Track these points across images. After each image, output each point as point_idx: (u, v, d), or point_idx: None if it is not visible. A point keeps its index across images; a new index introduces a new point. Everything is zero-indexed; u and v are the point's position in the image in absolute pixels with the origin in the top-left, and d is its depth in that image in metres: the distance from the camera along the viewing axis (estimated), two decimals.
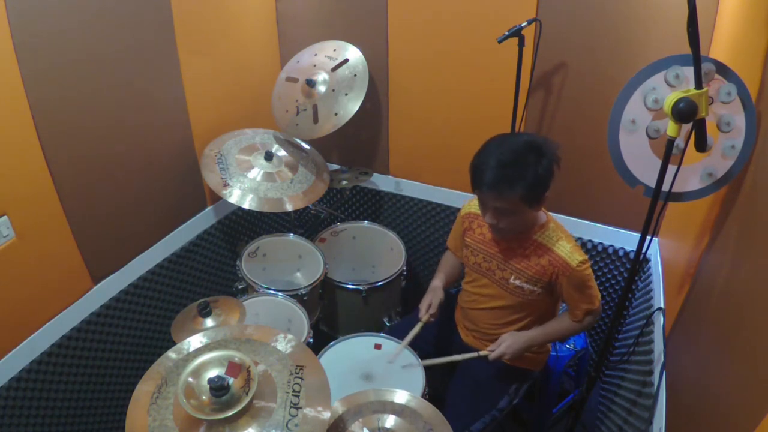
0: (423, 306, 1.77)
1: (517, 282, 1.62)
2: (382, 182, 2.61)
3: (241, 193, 2.04)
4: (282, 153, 2.28)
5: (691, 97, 1.16)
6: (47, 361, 1.67)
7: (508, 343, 1.63)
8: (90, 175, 1.73)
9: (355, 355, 1.77)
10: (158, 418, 1.13)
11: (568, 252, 1.55)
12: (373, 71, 2.27)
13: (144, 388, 1.20)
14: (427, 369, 1.68)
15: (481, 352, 1.66)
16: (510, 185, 1.43)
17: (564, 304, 1.72)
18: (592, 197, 2.15)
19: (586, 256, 1.59)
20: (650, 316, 1.73)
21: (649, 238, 1.38)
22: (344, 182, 2.42)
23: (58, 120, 1.59)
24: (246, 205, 2.04)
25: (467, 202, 1.83)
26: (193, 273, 2.27)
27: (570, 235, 1.62)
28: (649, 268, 2.03)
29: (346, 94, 2.17)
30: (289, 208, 2.11)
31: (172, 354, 1.29)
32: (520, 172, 1.42)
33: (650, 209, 1.33)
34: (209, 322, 1.67)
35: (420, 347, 1.79)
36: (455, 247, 1.92)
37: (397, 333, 1.86)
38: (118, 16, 1.70)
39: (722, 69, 1.26)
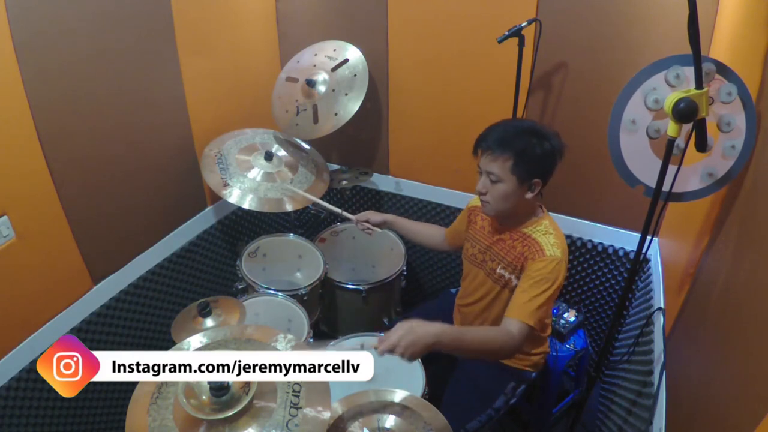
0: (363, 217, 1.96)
1: (502, 272, 1.62)
2: (382, 182, 2.60)
3: (241, 193, 2.04)
4: (282, 153, 2.28)
5: (691, 97, 1.16)
6: None
7: (400, 334, 1.24)
8: (90, 175, 1.73)
9: None
10: (158, 418, 1.13)
11: (549, 243, 1.52)
12: (373, 71, 2.27)
13: (144, 388, 1.20)
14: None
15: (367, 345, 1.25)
16: (505, 145, 1.48)
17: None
18: (593, 197, 2.15)
19: (567, 261, 1.53)
20: (650, 316, 1.73)
21: (649, 238, 1.38)
22: (344, 182, 2.42)
23: (58, 120, 1.59)
24: (246, 205, 2.04)
25: (474, 197, 1.83)
26: (193, 273, 2.27)
27: (563, 238, 1.58)
28: (649, 268, 2.03)
29: (346, 94, 2.17)
30: (289, 208, 2.11)
31: None
32: (517, 140, 1.48)
33: (650, 209, 1.33)
34: (209, 322, 1.67)
35: None
36: (449, 232, 1.97)
37: None
38: (118, 16, 1.70)
39: (722, 69, 1.26)
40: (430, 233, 2.01)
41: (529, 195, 1.53)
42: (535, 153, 1.47)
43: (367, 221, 1.96)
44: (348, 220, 1.99)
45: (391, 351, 1.24)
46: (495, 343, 1.41)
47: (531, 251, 1.53)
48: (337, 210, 2.01)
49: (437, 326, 1.29)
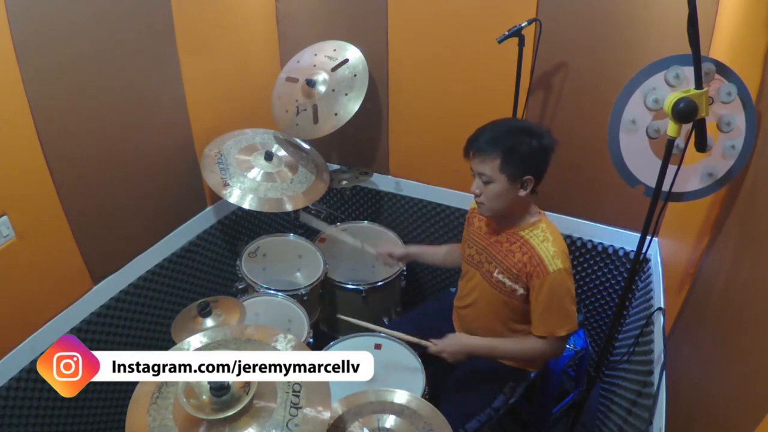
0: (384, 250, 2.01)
1: (500, 276, 1.62)
2: (382, 182, 2.61)
3: (241, 193, 2.04)
4: (282, 153, 2.28)
5: (691, 97, 1.16)
6: None
7: (448, 342, 1.64)
8: (90, 175, 1.73)
9: None
10: (158, 418, 1.13)
11: (549, 255, 1.51)
12: (373, 71, 2.27)
13: (144, 388, 1.20)
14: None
15: (424, 342, 1.67)
16: (492, 145, 1.49)
17: None
18: (592, 197, 2.15)
19: (570, 267, 1.54)
20: (650, 316, 1.73)
21: (649, 238, 1.38)
22: (344, 182, 2.42)
23: (58, 120, 1.59)
24: (246, 205, 2.04)
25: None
26: (193, 273, 2.27)
27: (562, 240, 1.57)
28: (649, 268, 2.03)
29: (346, 94, 2.17)
30: (289, 208, 2.12)
31: None
32: (504, 139, 1.50)
33: (650, 209, 1.33)
34: (209, 322, 1.67)
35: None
36: (461, 246, 1.95)
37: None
38: (118, 16, 1.70)
39: (722, 69, 1.26)
40: (451, 254, 1.98)
41: (522, 193, 1.53)
42: (521, 150, 1.48)
43: (390, 256, 1.98)
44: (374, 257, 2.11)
45: (439, 353, 1.63)
46: (534, 355, 1.65)
47: (533, 265, 1.53)
48: (359, 244, 2.19)
49: (477, 341, 1.67)
